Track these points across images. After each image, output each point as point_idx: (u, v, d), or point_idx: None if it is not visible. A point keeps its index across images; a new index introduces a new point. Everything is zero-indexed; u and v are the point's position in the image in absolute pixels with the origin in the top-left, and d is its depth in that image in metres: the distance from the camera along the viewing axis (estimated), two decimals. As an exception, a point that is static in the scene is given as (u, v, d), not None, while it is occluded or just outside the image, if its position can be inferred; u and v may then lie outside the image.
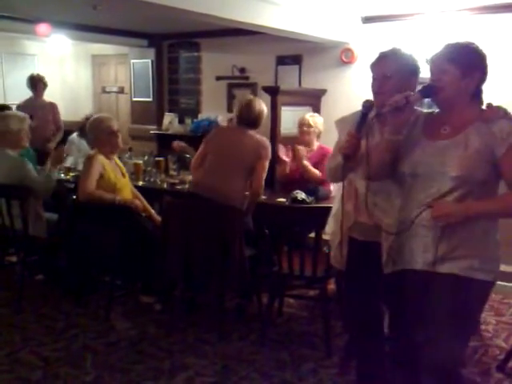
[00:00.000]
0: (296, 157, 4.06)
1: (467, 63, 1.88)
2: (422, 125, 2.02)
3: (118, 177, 3.64)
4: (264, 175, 3.43)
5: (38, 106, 5.71)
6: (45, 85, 5.95)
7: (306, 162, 4.03)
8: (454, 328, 1.91)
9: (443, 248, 1.89)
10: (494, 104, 1.97)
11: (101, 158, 3.53)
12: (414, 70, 2.18)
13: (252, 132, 3.47)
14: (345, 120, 2.32)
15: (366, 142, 2.02)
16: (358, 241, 2.34)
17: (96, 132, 3.62)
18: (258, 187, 3.40)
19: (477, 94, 1.94)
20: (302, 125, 4.22)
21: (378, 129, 2.19)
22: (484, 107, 1.97)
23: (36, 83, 5.85)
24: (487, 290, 1.97)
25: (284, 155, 4.23)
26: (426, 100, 2.09)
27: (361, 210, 2.27)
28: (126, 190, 3.69)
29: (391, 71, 2.13)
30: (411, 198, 1.97)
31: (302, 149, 4.07)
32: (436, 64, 1.92)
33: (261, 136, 3.50)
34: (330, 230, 2.54)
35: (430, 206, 1.87)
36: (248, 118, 3.48)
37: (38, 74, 6.00)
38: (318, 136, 4.26)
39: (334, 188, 2.37)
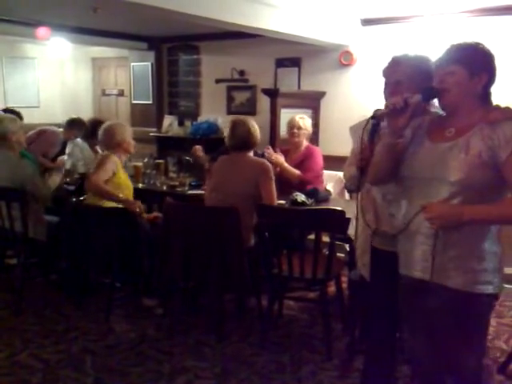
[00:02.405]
0: (276, 164, 4.07)
1: (474, 63, 1.79)
2: (427, 127, 1.93)
3: (126, 177, 3.77)
4: (273, 196, 3.32)
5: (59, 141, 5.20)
6: (79, 129, 5.04)
7: (285, 165, 4.12)
8: (460, 343, 1.84)
9: (442, 259, 1.82)
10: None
11: (115, 159, 3.65)
12: (429, 74, 2.01)
13: (249, 156, 3.43)
14: (356, 126, 2.20)
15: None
16: (378, 250, 2.27)
17: (109, 140, 3.72)
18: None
19: (485, 96, 1.84)
20: (292, 127, 4.26)
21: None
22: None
23: (76, 125, 5.05)
24: (489, 302, 1.88)
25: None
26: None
27: (382, 220, 2.21)
28: (131, 191, 3.77)
29: (404, 75, 2.06)
30: (412, 202, 1.89)
31: (277, 156, 4.12)
32: (441, 65, 1.84)
33: (259, 159, 3.45)
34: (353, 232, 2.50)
35: (424, 207, 1.78)
36: (236, 143, 3.41)
37: (79, 118, 5.22)
38: (307, 137, 4.33)
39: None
